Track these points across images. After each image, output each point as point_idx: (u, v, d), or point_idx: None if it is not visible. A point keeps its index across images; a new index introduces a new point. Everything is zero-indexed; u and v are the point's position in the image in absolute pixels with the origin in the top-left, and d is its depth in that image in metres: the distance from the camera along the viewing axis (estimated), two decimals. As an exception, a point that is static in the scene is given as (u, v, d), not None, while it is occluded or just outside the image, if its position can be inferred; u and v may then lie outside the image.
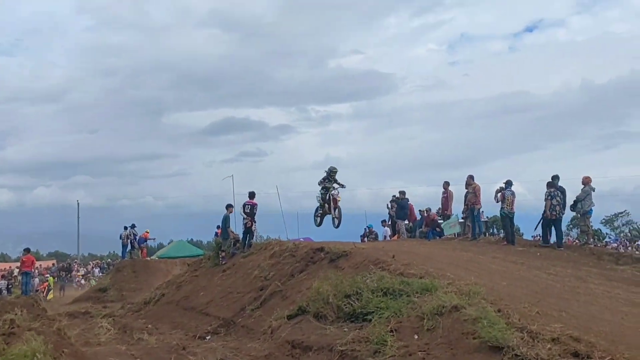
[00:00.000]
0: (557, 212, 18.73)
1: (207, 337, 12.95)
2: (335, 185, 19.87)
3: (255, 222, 20.07)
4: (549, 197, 18.78)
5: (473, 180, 21.07)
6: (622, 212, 65.23)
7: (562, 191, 19.27)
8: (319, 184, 20.15)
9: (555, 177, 19.38)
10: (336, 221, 19.87)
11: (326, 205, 19.96)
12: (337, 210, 19.79)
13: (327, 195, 19.87)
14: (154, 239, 39.41)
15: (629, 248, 33.11)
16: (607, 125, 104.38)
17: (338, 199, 19.86)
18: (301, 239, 23.94)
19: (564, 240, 20.19)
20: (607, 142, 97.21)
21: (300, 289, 12.57)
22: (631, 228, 62.61)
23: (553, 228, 19.08)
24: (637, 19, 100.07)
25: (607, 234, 58.59)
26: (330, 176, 19.95)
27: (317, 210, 20.71)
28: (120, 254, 34.81)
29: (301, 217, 32.92)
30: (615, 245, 38.45)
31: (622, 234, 59.98)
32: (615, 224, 66.01)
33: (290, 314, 10.95)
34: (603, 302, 10.87)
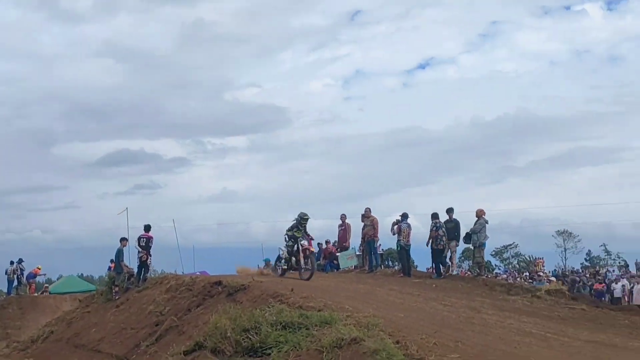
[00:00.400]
0: (443, 243, 19.26)
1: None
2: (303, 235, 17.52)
3: (150, 256, 19.61)
4: (434, 229, 19.30)
5: (371, 212, 21.35)
6: (511, 244, 67.52)
7: (457, 223, 19.81)
8: (286, 232, 17.80)
9: (450, 210, 19.93)
10: (307, 273, 16.99)
11: (293, 259, 17.52)
12: (309, 260, 17.40)
13: (295, 246, 17.36)
14: (44, 275, 38.07)
15: (518, 279, 34.20)
16: (496, 160, 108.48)
17: (311, 249, 17.66)
18: (197, 273, 23.51)
19: (457, 273, 20.70)
20: (496, 176, 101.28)
21: (197, 323, 12.28)
22: (519, 260, 64.85)
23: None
24: (522, 59, 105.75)
25: (496, 265, 60.48)
26: (301, 224, 17.55)
27: (278, 260, 18.54)
28: (5, 290, 33.33)
29: (197, 251, 32.43)
30: (505, 276, 39.66)
31: (510, 266, 62.02)
32: (505, 255, 68.18)
33: (187, 349, 10.65)
34: (496, 332, 11.13)
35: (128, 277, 19.50)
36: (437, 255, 19.52)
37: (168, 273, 18.81)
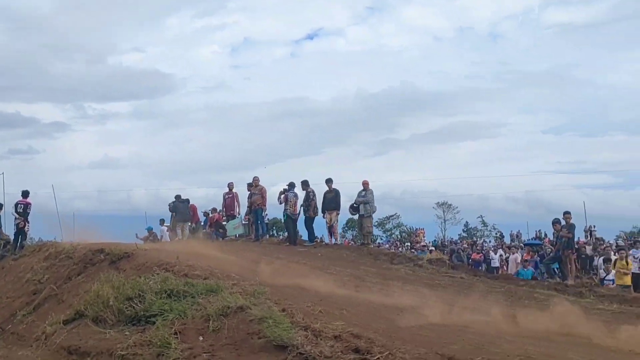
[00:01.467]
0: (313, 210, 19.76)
1: (-29, 347, 11.91)
2: None
3: (28, 223, 18.90)
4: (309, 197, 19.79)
5: (259, 182, 21.34)
6: (393, 215, 69.26)
7: (337, 193, 20.16)
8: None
9: (329, 180, 20.39)
10: None
11: None
12: None
13: None
14: None
15: (399, 249, 35.14)
16: (379, 132, 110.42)
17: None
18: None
19: (341, 242, 21.08)
20: (379, 148, 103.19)
21: (78, 292, 11.90)
22: (401, 230, 66.64)
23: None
24: (408, 34, 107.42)
25: (379, 235, 61.97)
26: None
27: None
28: None
29: (78, 219, 31.41)
30: (387, 246, 40.69)
31: (393, 236, 63.67)
32: (387, 226, 69.91)
33: (67, 318, 10.32)
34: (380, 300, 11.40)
35: (4, 245, 18.74)
36: (309, 224, 20.00)
37: (47, 241, 18.14)
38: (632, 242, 25.56)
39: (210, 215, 24.53)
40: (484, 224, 65.98)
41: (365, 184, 19.96)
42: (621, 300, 13.52)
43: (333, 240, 20.41)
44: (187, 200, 23.92)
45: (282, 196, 20.17)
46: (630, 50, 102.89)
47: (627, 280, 17.78)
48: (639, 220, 52.82)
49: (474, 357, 6.93)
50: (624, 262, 17.99)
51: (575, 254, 19.18)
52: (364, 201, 19.74)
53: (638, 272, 18.22)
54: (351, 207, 19.96)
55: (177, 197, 23.70)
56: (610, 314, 12.66)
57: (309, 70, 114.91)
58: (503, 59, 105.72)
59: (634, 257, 18.88)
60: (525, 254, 24.14)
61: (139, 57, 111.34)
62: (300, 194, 20.23)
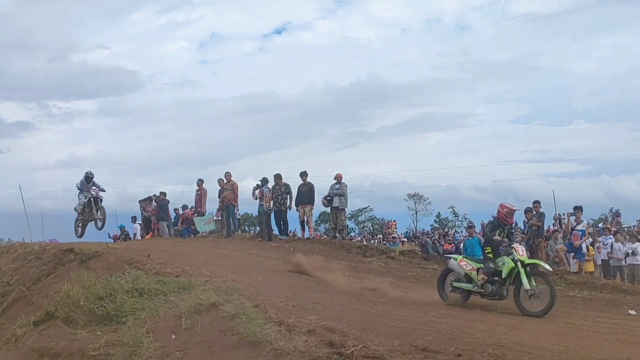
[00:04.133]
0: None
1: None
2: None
3: (-6, 223, 18.68)
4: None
5: (231, 177, 21.25)
6: (366, 208, 69.48)
7: (311, 187, 20.13)
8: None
9: (304, 174, 20.27)
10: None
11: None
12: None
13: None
14: None
15: (372, 241, 35.20)
16: (348, 125, 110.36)
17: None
18: (47, 241, 22.55)
19: (314, 236, 21.05)
20: (348, 141, 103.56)
21: (47, 293, 11.75)
22: (373, 223, 66.83)
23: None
24: (376, 25, 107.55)
25: (352, 228, 62.07)
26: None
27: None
28: None
29: (46, 218, 31.05)
30: (359, 239, 40.77)
31: (365, 229, 63.81)
32: (360, 218, 70.14)
33: (37, 320, 10.19)
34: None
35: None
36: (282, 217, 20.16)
37: (15, 242, 17.90)
38: (600, 229, 25.86)
39: (182, 212, 24.38)
40: (455, 214, 66.48)
41: (338, 177, 19.95)
42: (591, 287, 13.68)
43: (306, 234, 20.40)
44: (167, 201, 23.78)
45: (258, 191, 20.10)
46: (594, 38, 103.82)
47: (590, 267, 18.08)
48: (606, 207, 53.46)
49: (448, 347, 6.97)
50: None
51: (547, 242, 19.34)
52: (339, 194, 19.72)
53: (607, 258, 18.40)
54: (325, 199, 19.92)
55: (163, 194, 23.57)
56: (581, 300, 12.83)
57: (277, 64, 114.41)
58: (468, 50, 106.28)
59: (603, 244, 19.07)
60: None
61: (103, 54, 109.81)
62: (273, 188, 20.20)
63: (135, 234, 24.33)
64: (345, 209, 20.48)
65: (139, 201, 24.39)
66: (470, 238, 19.92)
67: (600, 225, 31.81)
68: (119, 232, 25.37)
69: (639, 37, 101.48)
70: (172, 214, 24.23)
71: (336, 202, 19.67)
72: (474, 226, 23.31)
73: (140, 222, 24.34)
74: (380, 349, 6.54)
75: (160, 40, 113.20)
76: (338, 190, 19.69)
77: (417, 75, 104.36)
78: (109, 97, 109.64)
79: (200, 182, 23.28)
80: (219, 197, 21.45)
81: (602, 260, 18.85)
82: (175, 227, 23.58)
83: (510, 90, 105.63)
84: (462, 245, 23.78)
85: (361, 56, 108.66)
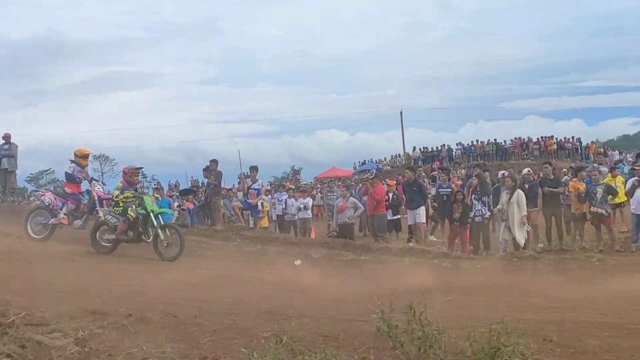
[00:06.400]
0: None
1: None
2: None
3: None
4: None
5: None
6: (47, 170, 66.34)
7: None
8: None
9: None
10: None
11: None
12: None
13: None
14: None
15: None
16: (24, 83, 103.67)
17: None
18: None
19: None
20: (27, 99, 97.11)
21: None
22: (55, 185, 63.98)
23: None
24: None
25: (32, 191, 58.90)
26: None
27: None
28: None
29: None
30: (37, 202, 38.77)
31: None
32: (42, 181, 66.78)
33: None
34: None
35: None
36: None
37: None
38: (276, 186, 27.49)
39: None
40: (144, 175, 66.07)
41: (7, 137, 18.68)
42: (264, 241, 14.56)
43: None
44: None
45: None
46: (280, 3, 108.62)
47: (265, 223, 19.17)
48: (288, 166, 56.83)
49: (119, 308, 6.94)
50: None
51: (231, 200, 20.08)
52: (9, 155, 18.50)
53: (281, 214, 19.55)
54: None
55: None
56: (254, 253, 13.65)
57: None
58: (154, 9, 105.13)
59: (278, 200, 20.23)
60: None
61: None
62: None
63: None
64: (16, 171, 19.27)
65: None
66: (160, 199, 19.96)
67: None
68: None
69: (315, 6, 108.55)
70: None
71: (5, 163, 18.43)
72: (162, 187, 23.41)
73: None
74: (46, 315, 6.31)
75: None
76: (8, 151, 18.47)
77: (99, 32, 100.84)
78: None
79: None
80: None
81: (277, 215, 20.06)
82: None
83: (197, 52, 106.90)
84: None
85: (39, 8, 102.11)
